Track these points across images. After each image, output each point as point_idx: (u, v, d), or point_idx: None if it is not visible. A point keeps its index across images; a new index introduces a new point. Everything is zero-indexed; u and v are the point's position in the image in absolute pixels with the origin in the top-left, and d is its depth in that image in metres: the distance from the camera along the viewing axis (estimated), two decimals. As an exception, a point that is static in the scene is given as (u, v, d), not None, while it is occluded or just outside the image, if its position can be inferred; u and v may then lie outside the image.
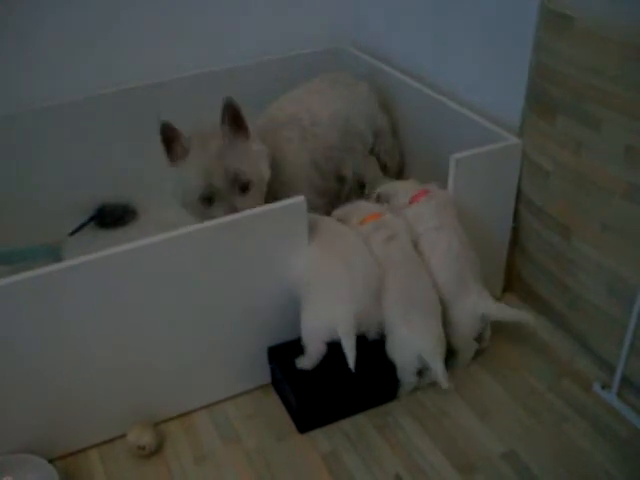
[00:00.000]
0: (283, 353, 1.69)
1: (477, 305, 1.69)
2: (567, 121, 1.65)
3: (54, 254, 2.11)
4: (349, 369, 1.50)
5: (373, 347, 1.62)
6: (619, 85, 1.49)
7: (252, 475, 1.56)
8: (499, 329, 1.82)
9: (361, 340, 1.54)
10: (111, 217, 2.32)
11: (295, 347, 1.65)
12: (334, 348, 1.56)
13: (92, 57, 2.21)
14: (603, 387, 1.70)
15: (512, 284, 2.00)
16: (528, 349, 1.83)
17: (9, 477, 1.52)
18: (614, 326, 1.66)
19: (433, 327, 1.61)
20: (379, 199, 1.88)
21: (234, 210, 1.61)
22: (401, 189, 1.86)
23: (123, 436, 1.62)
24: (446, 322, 1.68)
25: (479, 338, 1.76)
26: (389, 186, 1.91)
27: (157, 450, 1.62)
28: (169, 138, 1.67)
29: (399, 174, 2.32)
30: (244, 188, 1.68)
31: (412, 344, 1.59)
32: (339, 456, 1.59)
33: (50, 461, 1.54)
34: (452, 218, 1.73)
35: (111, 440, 1.65)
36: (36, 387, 1.50)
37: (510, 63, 1.82)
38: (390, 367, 1.64)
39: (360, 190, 2.23)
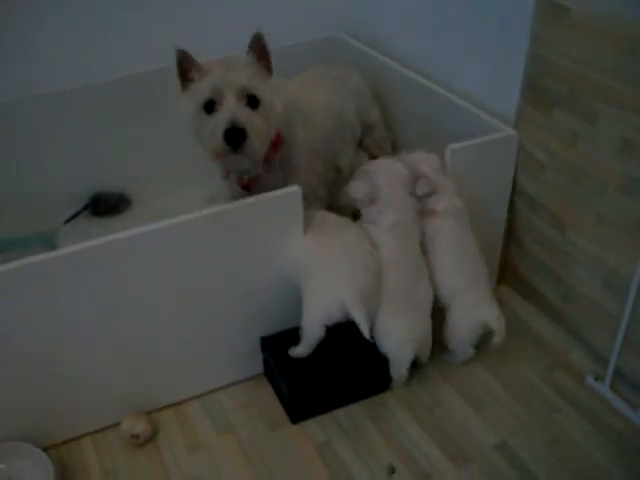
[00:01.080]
0: (276, 343, 1.69)
1: (479, 310, 1.68)
2: (563, 113, 1.65)
3: (48, 242, 2.10)
4: (339, 360, 1.51)
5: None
6: (615, 77, 1.49)
7: (245, 465, 1.56)
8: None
9: (353, 330, 1.53)
10: (106, 206, 2.31)
11: (288, 337, 1.65)
12: (327, 339, 1.56)
13: (89, 44, 2.20)
14: (596, 379, 1.70)
15: (507, 276, 2.01)
16: (522, 341, 1.84)
17: (2, 465, 1.52)
18: (608, 319, 1.67)
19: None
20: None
21: (236, 121, 1.50)
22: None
23: (117, 425, 1.62)
24: (445, 321, 1.70)
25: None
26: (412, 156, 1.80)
27: (151, 439, 1.62)
28: (184, 66, 1.62)
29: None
30: (253, 103, 1.56)
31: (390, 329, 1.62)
32: (333, 446, 1.59)
33: (44, 449, 1.54)
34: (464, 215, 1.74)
35: (105, 429, 1.65)
36: (30, 375, 1.50)
37: (506, 55, 1.81)
38: (382, 358, 1.64)
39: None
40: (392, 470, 1.52)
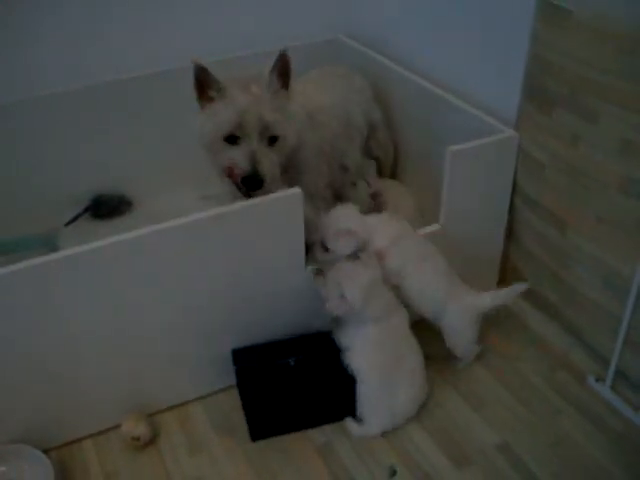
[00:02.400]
0: (246, 357, 1.66)
1: (474, 304, 1.69)
2: (563, 114, 1.65)
3: (50, 244, 2.10)
4: (305, 385, 1.58)
5: (329, 364, 1.62)
6: (616, 78, 1.49)
7: (246, 467, 1.56)
8: (494, 322, 1.82)
9: (319, 356, 1.57)
10: (107, 208, 2.31)
11: (261, 350, 1.66)
12: (291, 369, 1.59)
13: (90, 46, 2.20)
14: (597, 380, 1.70)
15: (507, 277, 2.00)
16: (523, 342, 1.84)
17: (3, 467, 1.52)
18: (609, 319, 1.67)
19: None
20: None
21: (253, 159, 1.57)
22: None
23: (118, 427, 1.62)
24: (445, 332, 1.70)
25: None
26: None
27: (151, 441, 1.62)
28: (202, 81, 1.62)
29: (393, 167, 2.31)
30: (272, 141, 1.63)
31: None
32: (333, 448, 1.59)
33: (45, 451, 1.54)
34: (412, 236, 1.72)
35: (106, 431, 1.65)
36: (31, 377, 1.50)
37: (507, 55, 1.81)
38: (349, 386, 1.61)
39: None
40: (393, 472, 1.52)
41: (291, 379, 1.60)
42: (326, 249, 1.66)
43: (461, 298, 1.69)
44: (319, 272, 1.64)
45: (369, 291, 1.56)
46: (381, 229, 1.68)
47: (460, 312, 1.69)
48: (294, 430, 1.64)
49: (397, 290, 1.66)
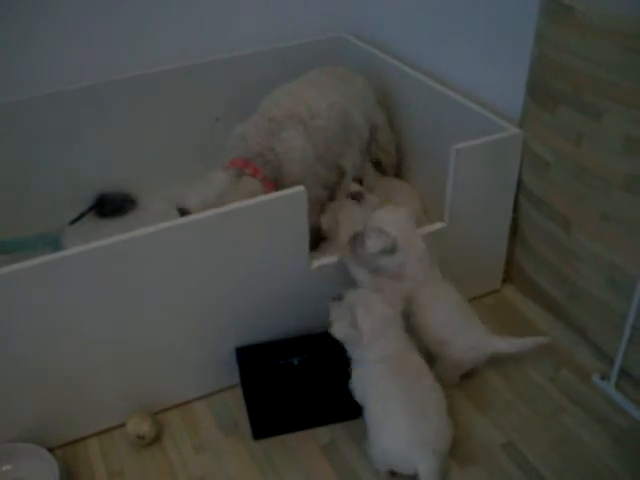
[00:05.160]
0: (250, 356, 1.66)
1: (484, 343, 1.64)
2: (568, 112, 1.64)
3: (54, 243, 2.11)
4: (308, 385, 1.56)
5: (332, 365, 1.60)
6: (620, 76, 1.49)
7: (251, 465, 1.56)
8: (498, 321, 1.82)
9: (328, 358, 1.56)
10: (111, 206, 2.31)
11: (265, 349, 1.66)
12: (295, 368, 1.59)
13: (93, 44, 2.20)
14: (602, 378, 1.70)
15: (512, 275, 2.00)
16: (527, 340, 1.84)
17: (9, 466, 1.52)
18: (613, 317, 1.66)
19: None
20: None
21: None
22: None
23: (122, 425, 1.62)
24: (444, 359, 1.65)
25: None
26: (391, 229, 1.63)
27: (156, 439, 1.62)
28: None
29: (398, 166, 2.31)
30: None
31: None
32: (338, 446, 1.59)
33: (50, 450, 1.54)
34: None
35: (110, 429, 1.65)
36: (36, 376, 1.51)
37: (511, 53, 1.81)
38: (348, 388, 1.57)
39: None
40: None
41: (294, 379, 1.60)
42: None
43: (474, 334, 1.64)
44: (340, 298, 1.57)
45: (382, 328, 1.49)
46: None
47: (469, 349, 1.64)
48: (297, 430, 1.63)
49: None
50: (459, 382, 1.71)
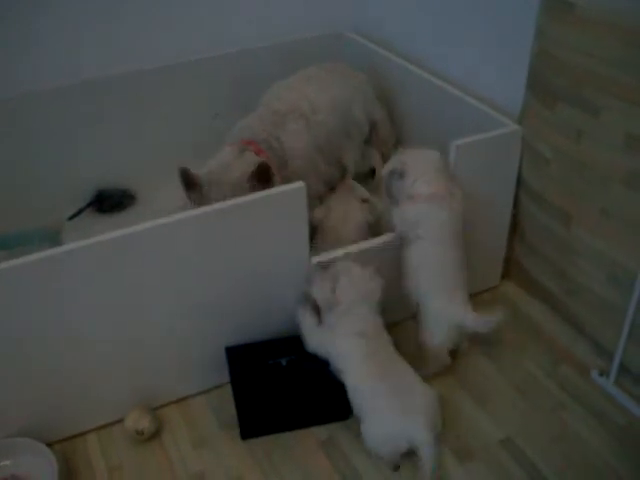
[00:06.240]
0: (239, 355, 1.66)
1: (455, 312, 1.63)
2: (567, 108, 1.64)
3: (53, 239, 2.11)
4: (295, 390, 1.57)
5: (321, 366, 1.58)
6: (620, 72, 1.49)
7: (250, 461, 1.56)
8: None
9: (312, 357, 1.56)
10: (110, 202, 2.31)
11: (254, 348, 1.66)
12: (283, 369, 1.59)
13: (93, 40, 2.20)
14: (601, 374, 1.70)
15: (511, 271, 2.00)
16: (526, 336, 1.83)
17: (7, 461, 1.52)
18: (613, 313, 1.66)
19: None
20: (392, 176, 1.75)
21: None
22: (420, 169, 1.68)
23: (121, 420, 1.62)
24: (420, 325, 1.66)
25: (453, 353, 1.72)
26: (405, 158, 1.70)
27: (155, 435, 1.62)
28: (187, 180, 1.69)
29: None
30: None
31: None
32: (337, 442, 1.59)
33: (48, 445, 1.54)
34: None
35: (109, 424, 1.65)
36: (35, 371, 1.51)
37: (511, 49, 1.81)
38: (336, 390, 1.56)
39: (371, 175, 2.24)
40: (397, 465, 1.52)
41: (283, 379, 1.60)
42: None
43: (447, 302, 1.64)
44: (324, 266, 1.62)
45: (361, 299, 1.54)
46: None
47: (437, 315, 1.64)
48: (285, 430, 1.62)
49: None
50: (450, 363, 1.70)
